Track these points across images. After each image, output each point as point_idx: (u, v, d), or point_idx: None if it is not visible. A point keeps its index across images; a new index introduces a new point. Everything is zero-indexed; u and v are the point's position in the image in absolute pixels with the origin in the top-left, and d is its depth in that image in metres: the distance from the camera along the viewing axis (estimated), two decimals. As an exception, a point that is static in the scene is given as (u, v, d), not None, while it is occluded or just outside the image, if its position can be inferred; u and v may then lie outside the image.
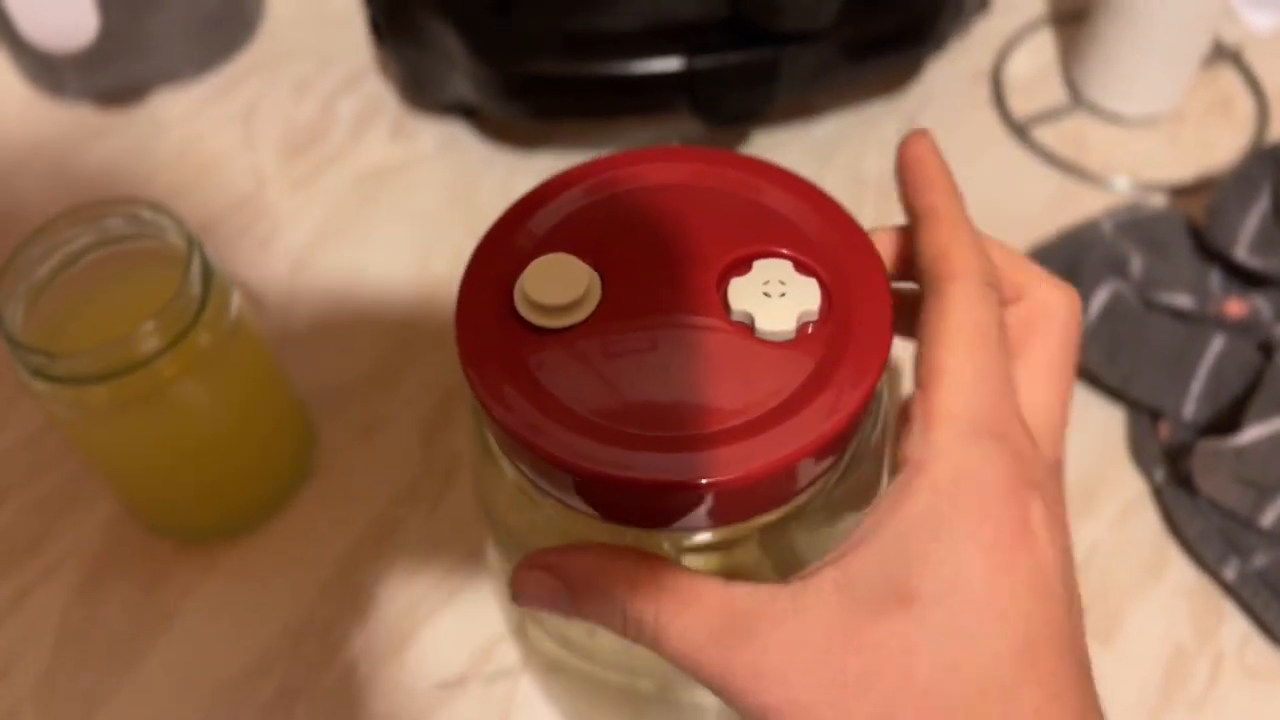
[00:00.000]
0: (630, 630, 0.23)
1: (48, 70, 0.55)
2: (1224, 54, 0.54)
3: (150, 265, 0.36)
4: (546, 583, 0.24)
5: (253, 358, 0.38)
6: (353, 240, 0.49)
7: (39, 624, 0.38)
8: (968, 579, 0.21)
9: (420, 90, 0.50)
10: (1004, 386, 0.23)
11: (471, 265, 0.25)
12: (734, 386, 0.23)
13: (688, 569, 0.23)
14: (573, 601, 0.24)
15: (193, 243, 0.34)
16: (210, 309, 0.34)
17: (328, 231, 0.50)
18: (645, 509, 0.23)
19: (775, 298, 0.23)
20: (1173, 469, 0.40)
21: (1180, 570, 0.38)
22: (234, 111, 0.55)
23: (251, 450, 0.39)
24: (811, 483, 0.24)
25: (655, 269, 0.25)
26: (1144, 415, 0.41)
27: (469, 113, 0.53)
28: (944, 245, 0.24)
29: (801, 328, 0.23)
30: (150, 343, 0.33)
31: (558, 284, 0.24)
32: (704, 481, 0.21)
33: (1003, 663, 0.20)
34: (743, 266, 0.24)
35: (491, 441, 0.26)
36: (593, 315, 0.24)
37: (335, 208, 0.51)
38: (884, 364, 0.23)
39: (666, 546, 0.25)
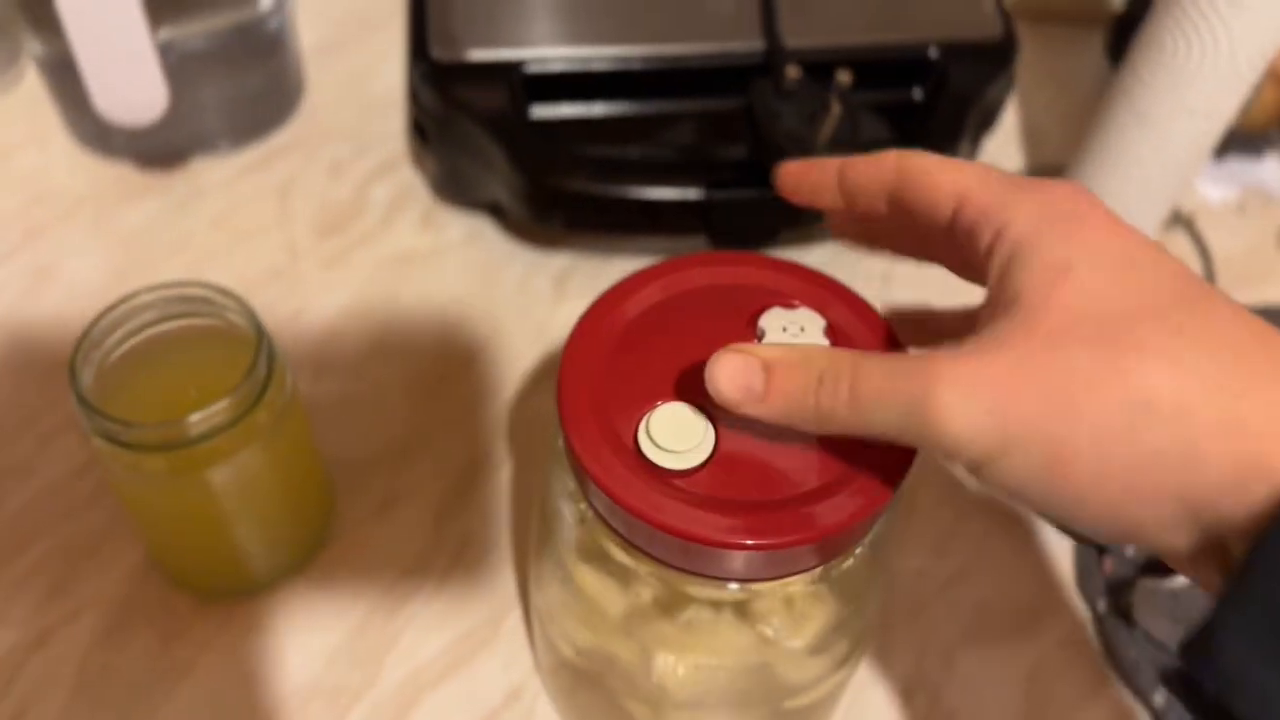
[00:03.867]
0: (825, 399, 0.25)
1: (97, 129, 0.56)
2: (1179, 220, 0.60)
3: (210, 341, 0.39)
4: (748, 363, 0.26)
5: (299, 431, 0.41)
6: (379, 320, 0.52)
7: (58, 667, 0.40)
8: (1108, 249, 0.24)
9: (455, 189, 0.54)
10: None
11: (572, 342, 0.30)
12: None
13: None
14: (768, 380, 0.26)
15: (262, 331, 0.37)
16: (272, 389, 0.37)
17: (357, 309, 0.52)
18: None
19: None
20: (1114, 601, 0.43)
21: (1115, 694, 0.42)
22: (271, 185, 0.57)
23: (286, 517, 0.42)
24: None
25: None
26: (1090, 549, 0.45)
27: (495, 210, 0.56)
28: (951, 186, 0.27)
29: None
30: (217, 420, 0.35)
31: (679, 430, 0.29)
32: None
33: (1187, 283, 0.24)
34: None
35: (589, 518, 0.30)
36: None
37: (365, 287, 0.53)
38: None
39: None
